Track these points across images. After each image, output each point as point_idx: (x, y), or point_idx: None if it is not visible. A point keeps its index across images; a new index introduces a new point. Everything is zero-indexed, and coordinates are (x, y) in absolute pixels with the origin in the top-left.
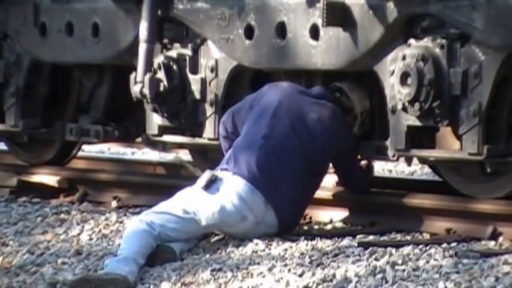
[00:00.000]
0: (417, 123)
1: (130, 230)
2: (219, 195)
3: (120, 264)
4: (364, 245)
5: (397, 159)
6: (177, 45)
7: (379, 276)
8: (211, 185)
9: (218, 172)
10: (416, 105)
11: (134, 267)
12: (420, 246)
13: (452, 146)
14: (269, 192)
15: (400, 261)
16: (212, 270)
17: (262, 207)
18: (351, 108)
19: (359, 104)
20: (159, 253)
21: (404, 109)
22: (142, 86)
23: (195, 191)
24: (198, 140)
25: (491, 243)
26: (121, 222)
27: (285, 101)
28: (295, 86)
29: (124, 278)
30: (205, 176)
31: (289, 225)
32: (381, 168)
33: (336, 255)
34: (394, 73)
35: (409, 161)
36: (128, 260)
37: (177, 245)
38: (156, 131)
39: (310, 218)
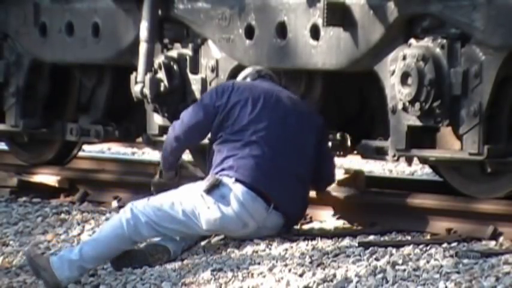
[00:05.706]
0: (418, 123)
1: (111, 224)
2: (220, 202)
3: (64, 266)
4: (365, 245)
5: (398, 159)
6: (177, 45)
7: (380, 276)
8: (214, 190)
9: (221, 177)
10: (417, 105)
11: (75, 273)
12: (420, 246)
13: (452, 146)
14: (272, 192)
15: (400, 261)
16: (212, 270)
17: (263, 213)
18: None
19: None
20: (153, 254)
21: (404, 109)
22: (143, 86)
23: (196, 193)
24: None
25: (492, 243)
26: None
27: (270, 94)
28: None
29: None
30: (209, 179)
31: (294, 221)
32: (381, 168)
33: (336, 255)
34: (395, 73)
35: (409, 161)
36: (72, 264)
37: (170, 243)
38: (156, 131)
39: (311, 218)
